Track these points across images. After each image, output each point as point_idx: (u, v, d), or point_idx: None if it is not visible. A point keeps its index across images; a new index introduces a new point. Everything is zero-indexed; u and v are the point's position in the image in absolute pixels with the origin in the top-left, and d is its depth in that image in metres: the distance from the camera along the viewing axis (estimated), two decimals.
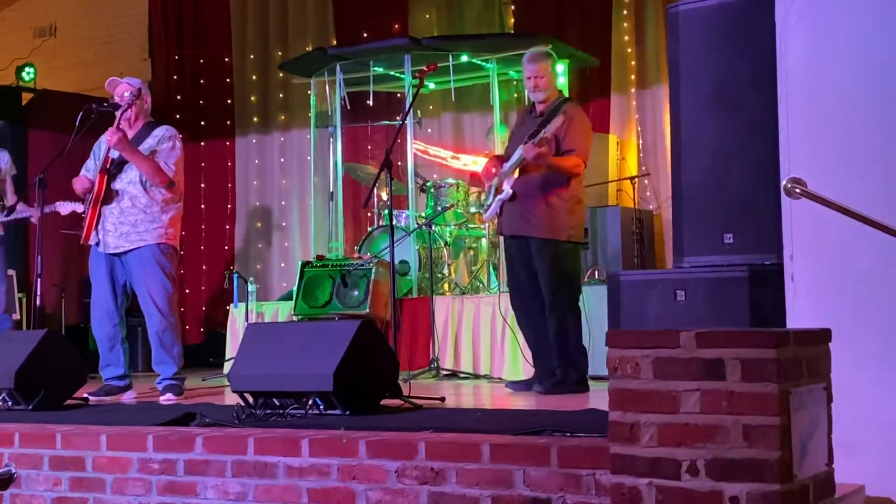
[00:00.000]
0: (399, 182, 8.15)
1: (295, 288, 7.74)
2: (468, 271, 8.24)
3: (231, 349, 7.91)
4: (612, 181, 8.38)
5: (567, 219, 5.77)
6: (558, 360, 5.73)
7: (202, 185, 10.19)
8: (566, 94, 6.16)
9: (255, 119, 10.24)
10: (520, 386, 5.91)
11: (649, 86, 8.61)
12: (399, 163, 8.20)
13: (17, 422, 4.34)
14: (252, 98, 10.24)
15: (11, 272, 8.44)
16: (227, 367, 7.67)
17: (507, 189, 5.86)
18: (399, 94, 9.22)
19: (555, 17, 9.02)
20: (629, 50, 8.73)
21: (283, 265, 9.97)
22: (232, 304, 8.28)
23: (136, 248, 5.83)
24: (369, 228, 8.38)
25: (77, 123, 6.13)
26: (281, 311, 8.03)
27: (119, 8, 11.05)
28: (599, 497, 3.05)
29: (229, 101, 10.28)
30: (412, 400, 4.61)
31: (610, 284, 5.02)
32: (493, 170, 5.99)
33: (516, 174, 5.83)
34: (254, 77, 10.24)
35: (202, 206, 10.17)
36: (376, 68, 8.62)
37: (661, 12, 8.27)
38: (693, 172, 4.51)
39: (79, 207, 6.38)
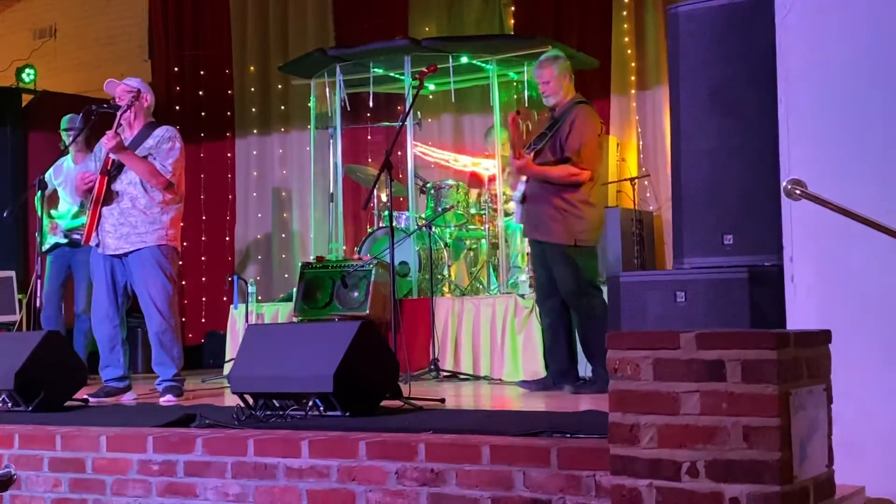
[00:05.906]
0: (399, 183, 8.15)
1: (295, 289, 7.74)
2: (468, 272, 8.24)
3: (231, 350, 7.90)
4: (612, 182, 8.39)
5: (575, 223, 5.76)
6: (591, 360, 5.76)
7: (202, 186, 10.19)
8: (580, 97, 6.08)
9: (255, 120, 10.24)
10: (533, 385, 5.90)
11: (649, 87, 8.61)
12: (399, 164, 8.20)
13: (17, 423, 4.34)
14: (252, 99, 10.24)
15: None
16: (226, 368, 7.67)
17: (518, 191, 5.95)
18: (399, 96, 9.22)
19: (555, 18, 9.01)
20: (629, 51, 8.72)
21: (283, 266, 9.97)
22: (232, 306, 8.28)
23: (136, 249, 5.82)
24: (369, 229, 8.38)
25: (77, 125, 6.14)
26: (281, 313, 8.03)
27: (119, 9, 11.05)
28: (599, 498, 3.05)
29: (229, 103, 10.28)
30: (412, 401, 4.61)
31: (610, 285, 5.01)
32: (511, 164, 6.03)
33: (524, 177, 5.88)
34: (254, 78, 10.23)
35: (202, 207, 10.17)
36: (376, 69, 8.61)
37: (661, 14, 8.28)
38: (693, 173, 4.50)
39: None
